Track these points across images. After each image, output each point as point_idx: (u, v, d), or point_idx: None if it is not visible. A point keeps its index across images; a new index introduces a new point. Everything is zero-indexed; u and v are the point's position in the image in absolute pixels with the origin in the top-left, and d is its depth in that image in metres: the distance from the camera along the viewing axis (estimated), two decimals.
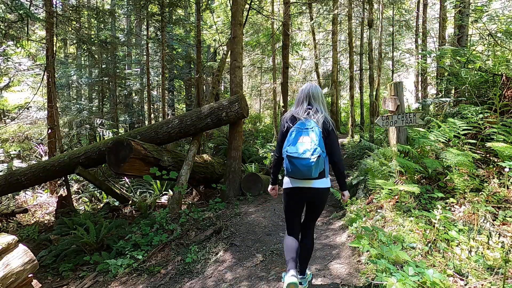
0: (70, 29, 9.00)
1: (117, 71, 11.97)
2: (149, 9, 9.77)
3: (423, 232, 2.58)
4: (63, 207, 5.50)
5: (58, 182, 7.51)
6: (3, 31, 6.43)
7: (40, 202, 6.86)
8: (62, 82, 11.89)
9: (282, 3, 9.65)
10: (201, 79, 9.20)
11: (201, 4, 9.11)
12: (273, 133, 13.61)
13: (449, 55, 4.57)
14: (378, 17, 11.88)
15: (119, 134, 10.79)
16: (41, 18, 7.25)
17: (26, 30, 6.91)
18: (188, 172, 4.98)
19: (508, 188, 2.77)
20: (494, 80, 3.88)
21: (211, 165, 6.14)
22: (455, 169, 3.05)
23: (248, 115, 6.02)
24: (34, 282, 2.67)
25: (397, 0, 12.23)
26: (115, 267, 3.23)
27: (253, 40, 13.73)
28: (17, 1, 5.93)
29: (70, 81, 12.56)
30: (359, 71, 12.19)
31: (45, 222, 5.92)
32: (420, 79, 12.76)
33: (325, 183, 2.07)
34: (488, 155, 3.28)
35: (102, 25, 11.46)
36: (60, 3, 10.48)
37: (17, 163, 7.84)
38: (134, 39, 13.04)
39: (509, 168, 2.56)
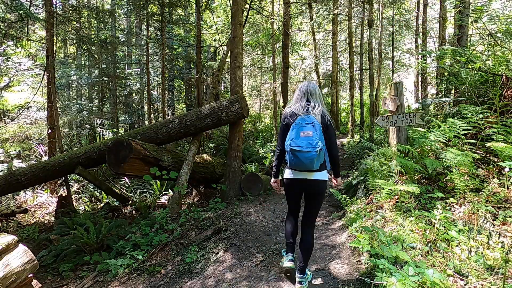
0: (70, 29, 9.00)
1: (117, 71, 11.97)
2: (149, 9, 9.77)
3: (423, 232, 2.58)
4: (63, 207, 5.50)
5: (58, 182, 7.51)
6: (3, 31, 6.43)
7: (40, 202, 6.86)
8: (62, 82, 11.89)
9: (282, 3, 9.65)
10: (201, 79, 9.20)
11: (201, 4, 9.11)
12: (273, 133, 13.61)
13: (449, 55, 4.57)
14: (378, 17, 11.88)
15: (119, 134, 10.79)
16: (41, 18, 7.24)
17: (26, 30, 6.91)
18: (188, 172, 4.98)
19: (508, 188, 2.77)
20: (494, 80, 3.88)
21: (211, 165, 6.14)
22: (455, 169, 3.05)
23: (248, 115, 6.02)
24: (34, 282, 2.67)
25: (397, 0, 12.22)
26: (115, 267, 3.23)
27: (253, 40, 13.72)
28: (17, 1, 5.93)
29: (70, 81, 12.56)
30: (359, 71, 12.18)
31: (45, 222, 5.92)
32: (420, 79, 12.76)
33: (324, 175, 2.24)
34: (488, 155, 3.28)
35: (102, 25, 11.46)
36: (60, 3, 10.48)
37: (17, 163, 7.84)
38: (134, 39, 13.04)
39: (509, 168, 2.56)
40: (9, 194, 6.50)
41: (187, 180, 4.96)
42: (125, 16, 13.47)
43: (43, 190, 7.57)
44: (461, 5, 5.63)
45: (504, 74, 3.67)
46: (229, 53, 5.94)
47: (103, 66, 11.68)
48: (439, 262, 2.23)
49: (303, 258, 2.28)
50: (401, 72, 18.89)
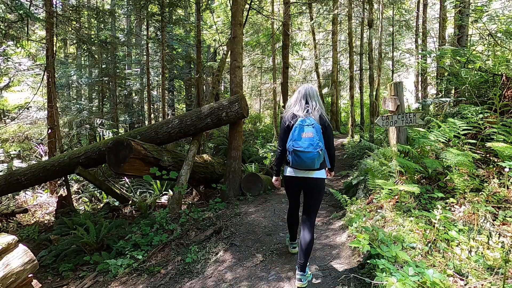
0: (70, 29, 9.00)
1: (117, 71, 11.97)
2: (149, 9, 9.77)
3: (423, 232, 2.58)
4: (63, 207, 5.50)
5: (58, 182, 7.51)
6: (3, 31, 6.43)
7: (40, 202, 6.86)
8: (62, 82, 11.89)
9: (282, 3, 9.64)
10: (201, 79, 9.20)
11: (201, 4, 9.11)
12: (273, 133, 13.61)
13: (449, 55, 4.56)
14: (378, 17, 11.88)
15: (119, 134, 10.79)
16: (41, 18, 7.24)
17: (26, 30, 6.91)
18: (188, 172, 4.98)
19: (508, 188, 2.77)
20: (494, 80, 3.88)
21: (211, 165, 6.14)
22: (455, 169, 3.05)
23: (248, 115, 6.02)
24: (34, 282, 2.67)
25: (397, 0, 12.22)
26: (115, 267, 3.23)
27: (253, 40, 13.73)
28: (17, 1, 5.93)
29: (70, 81, 12.56)
30: (359, 71, 12.18)
31: (45, 222, 5.92)
32: (420, 79, 12.76)
33: (322, 173, 2.40)
34: (488, 155, 3.28)
35: (102, 25, 11.46)
36: (60, 3, 10.48)
37: (17, 163, 7.84)
38: (134, 39, 13.04)
39: (509, 168, 2.56)
40: (9, 194, 6.50)
41: (187, 180, 4.96)
42: (125, 16, 13.47)
43: (43, 190, 7.57)
44: (461, 5, 5.63)
45: (504, 74, 3.67)
46: (229, 53, 5.94)
47: (103, 66, 11.68)
48: (439, 262, 2.23)
49: (303, 255, 2.31)
50: (401, 72, 18.89)
